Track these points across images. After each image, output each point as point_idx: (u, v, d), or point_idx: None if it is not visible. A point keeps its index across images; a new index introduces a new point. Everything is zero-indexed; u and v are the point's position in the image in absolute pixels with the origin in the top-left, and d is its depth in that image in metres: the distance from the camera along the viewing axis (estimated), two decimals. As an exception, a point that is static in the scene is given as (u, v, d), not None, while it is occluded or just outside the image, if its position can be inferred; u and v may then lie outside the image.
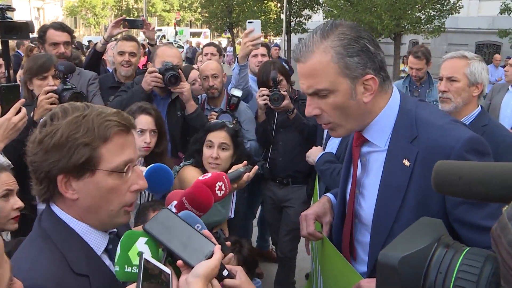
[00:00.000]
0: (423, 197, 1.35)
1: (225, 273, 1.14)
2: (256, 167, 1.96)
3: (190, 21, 59.45)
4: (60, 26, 3.49)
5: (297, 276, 3.83)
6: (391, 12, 15.35)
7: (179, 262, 1.06)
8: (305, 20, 24.57)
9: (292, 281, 3.75)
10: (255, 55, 4.03)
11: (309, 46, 1.36)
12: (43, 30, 3.46)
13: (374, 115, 1.44)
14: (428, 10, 16.00)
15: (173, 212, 1.16)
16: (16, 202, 1.91)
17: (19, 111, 2.11)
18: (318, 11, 23.37)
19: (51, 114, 1.15)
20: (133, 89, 3.06)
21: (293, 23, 24.73)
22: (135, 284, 0.97)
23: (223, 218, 2.38)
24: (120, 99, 3.01)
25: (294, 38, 25.48)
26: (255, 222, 4.45)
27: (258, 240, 4.61)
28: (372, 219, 1.48)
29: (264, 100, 3.14)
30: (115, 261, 1.07)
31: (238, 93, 3.39)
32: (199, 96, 3.61)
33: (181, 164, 2.61)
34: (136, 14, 45.40)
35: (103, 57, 4.34)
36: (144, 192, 2.42)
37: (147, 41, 4.38)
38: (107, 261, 1.20)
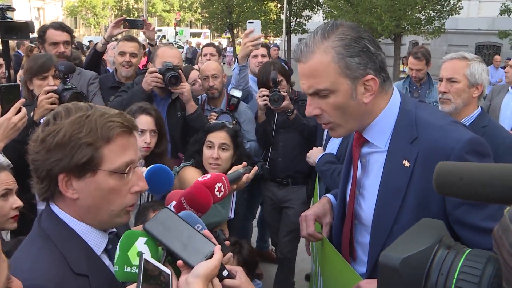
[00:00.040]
0: (423, 198, 1.35)
1: (225, 273, 1.14)
2: (256, 168, 1.96)
3: (190, 21, 59.49)
4: (59, 26, 3.50)
5: (296, 277, 3.82)
6: (391, 13, 15.37)
7: (179, 262, 1.06)
8: (305, 20, 24.60)
9: (291, 282, 3.75)
10: (255, 56, 4.03)
11: (309, 46, 1.36)
12: (43, 30, 3.47)
13: (374, 115, 1.44)
14: (428, 11, 16.03)
15: (173, 212, 1.16)
16: (15, 201, 1.91)
17: (19, 111, 2.12)
18: (318, 11, 23.40)
19: (54, 113, 1.15)
20: (134, 89, 3.06)
21: (293, 24, 24.76)
22: (134, 284, 0.97)
23: (223, 218, 2.37)
24: (121, 99, 3.01)
25: (294, 38, 25.51)
26: (254, 222, 4.45)
27: (258, 241, 4.60)
28: (372, 220, 1.48)
29: (264, 100, 3.14)
30: (115, 261, 1.07)
31: (237, 93, 3.39)
32: (199, 97, 3.61)
33: (181, 165, 2.61)
34: (136, 14, 45.42)
35: (103, 57, 4.34)
36: (144, 193, 2.42)
37: (147, 41, 4.38)
38: (106, 261, 1.20)
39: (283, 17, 23.91)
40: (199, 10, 45.71)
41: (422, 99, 1.72)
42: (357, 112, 1.40)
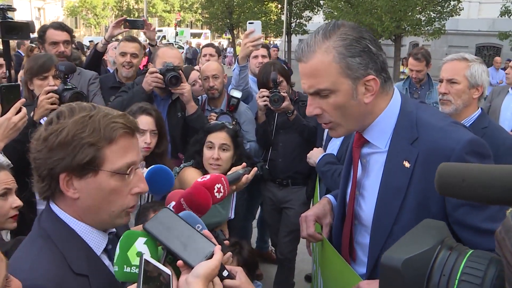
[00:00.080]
0: (423, 198, 1.35)
1: (225, 273, 1.14)
2: (255, 169, 1.97)
3: (191, 22, 59.53)
4: (59, 26, 3.50)
5: (296, 277, 3.82)
6: (392, 14, 15.39)
7: (179, 262, 1.05)
8: (306, 21, 24.61)
9: (291, 283, 3.74)
10: (256, 56, 4.03)
11: (311, 46, 1.36)
12: (43, 30, 3.47)
13: (374, 116, 1.43)
14: (428, 12, 16.05)
15: (173, 212, 1.15)
16: (14, 201, 1.91)
17: (19, 111, 2.11)
18: (318, 12, 23.43)
19: (57, 112, 1.16)
20: (134, 90, 3.06)
21: (293, 25, 24.77)
22: (135, 285, 0.97)
23: (223, 219, 2.37)
24: (121, 100, 3.01)
25: (295, 39, 25.52)
26: (254, 223, 4.45)
27: (258, 241, 4.60)
28: (372, 220, 1.47)
29: (264, 101, 3.14)
30: (114, 261, 1.07)
31: (237, 94, 3.39)
32: (199, 97, 3.61)
33: (182, 165, 2.61)
34: (136, 15, 45.45)
35: (103, 57, 4.34)
36: (144, 193, 2.41)
37: (148, 41, 4.38)
38: (106, 261, 1.20)
39: (283, 17, 23.92)
40: (199, 11, 45.73)
41: (422, 100, 1.72)
42: (358, 112, 1.40)
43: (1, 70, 3.63)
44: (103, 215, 1.17)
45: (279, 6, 26.56)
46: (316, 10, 23.78)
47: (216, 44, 5.71)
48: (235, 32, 31.52)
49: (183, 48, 25.58)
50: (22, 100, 2.17)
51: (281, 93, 3.10)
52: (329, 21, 1.52)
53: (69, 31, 3.52)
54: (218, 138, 2.49)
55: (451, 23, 17.90)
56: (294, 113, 3.20)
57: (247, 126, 3.45)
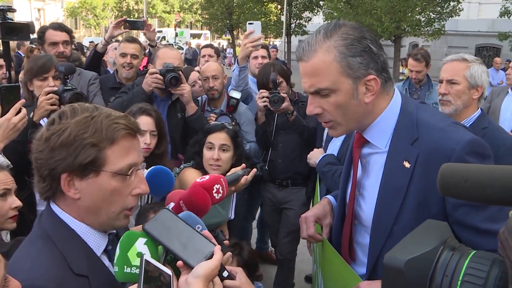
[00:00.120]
0: (423, 198, 1.35)
1: (225, 274, 1.14)
2: (255, 170, 1.97)
3: (191, 22, 59.56)
4: (58, 26, 3.50)
5: (296, 278, 3.82)
6: (391, 15, 15.40)
7: (179, 262, 1.05)
8: (305, 22, 24.63)
9: (291, 283, 3.74)
10: (255, 57, 4.02)
11: (312, 45, 1.36)
12: (42, 30, 3.47)
13: (375, 116, 1.43)
14: (428, 12, 16.07)
15: (173, 213, 1.15)
16: (14, 201, 1.91)
17: (19, 111, 2.11)
18: (318, 13, 23.44)
19: (59, 112, 1.16)
20: (134, 90, 3.06)
21: (293, 25, 24.79)
22: (135, 285, 0.97)
23: (223, 219, 2.37)
24: (121, 100, 3.01)
25: (294, 40, 25.53)
26: (254, 224, 4.45)
27: (258, 242, 4.60)
28: (372, 221, 1.47)
29: (263, 102, 3.14)
30: (114, 261, 1.07)
31: (236, 95, 3.39)
32: (199, 98, 3.61)
33: (182, 166, 2.61)
34: (136, 15, 45.46)
35: (103, 58, 4.34)
36: (144, 194, 2.41)
37: (148, 42, 4.38)
38: (106, 262, 1.20)
39: (283, 18, 23.95)
40: (199, 11, 45.79)
41: (422, 101, 1.72)
42: (358, 112, 1.40)
43: (1, 71, 3.62)
44: (103, 215, 1.17)
45: (279, 6, 26.58)
46: (315, 11, 23.79)
47: (216, 45, 5.71)
48: (234, 32, 31.54)
49: (182, 48, 25.59)
50: (22, 101, 2.17)
51: (281, 94, 3.10)
52: (329, 21, 1.52)
53: (68, 31, 3.52)
54: (218, 138, 2.49)
55: (451, 24, 17.92)
56: (294, 113, 3.20)
57: (246, 126, 3.44)
